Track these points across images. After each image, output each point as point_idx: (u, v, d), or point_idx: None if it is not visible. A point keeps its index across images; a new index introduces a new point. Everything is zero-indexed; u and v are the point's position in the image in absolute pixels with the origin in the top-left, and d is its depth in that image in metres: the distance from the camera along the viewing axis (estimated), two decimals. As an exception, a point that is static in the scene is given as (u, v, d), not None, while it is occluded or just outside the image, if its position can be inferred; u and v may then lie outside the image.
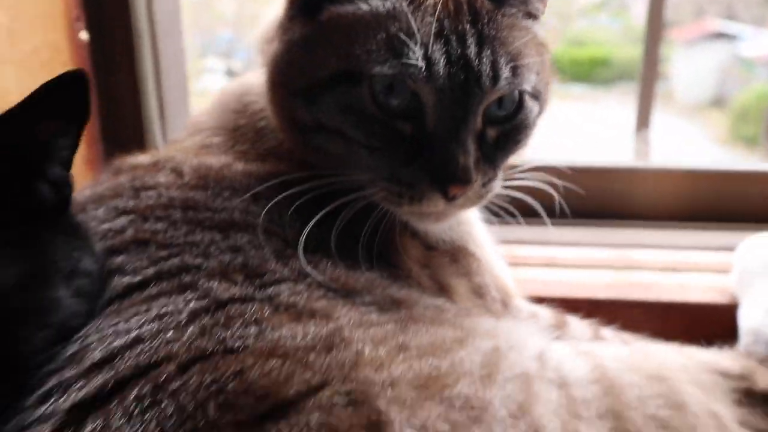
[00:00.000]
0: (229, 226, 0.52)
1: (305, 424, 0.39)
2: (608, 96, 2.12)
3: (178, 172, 0.56)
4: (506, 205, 0.66)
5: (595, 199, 1.03)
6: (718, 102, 2.12)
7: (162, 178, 0.55)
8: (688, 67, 2.53)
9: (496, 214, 0.68)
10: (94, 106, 0.80)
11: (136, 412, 0.40)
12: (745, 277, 0.76)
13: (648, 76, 1.06)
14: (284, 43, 0.58)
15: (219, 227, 0.51)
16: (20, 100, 0.44)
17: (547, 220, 0.67)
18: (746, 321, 0.71)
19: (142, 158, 0.61)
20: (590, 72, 2.65)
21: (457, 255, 0.63)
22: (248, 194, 0.54)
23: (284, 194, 0.54)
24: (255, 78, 0.67)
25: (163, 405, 0.40)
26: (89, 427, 0.40)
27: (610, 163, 1.05)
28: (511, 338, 0.53)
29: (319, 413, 0.39)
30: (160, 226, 0.51)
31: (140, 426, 0.39)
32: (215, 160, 0.58)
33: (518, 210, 0.67)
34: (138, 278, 0.48)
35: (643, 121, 1.10)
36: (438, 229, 0.62)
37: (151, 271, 0.49)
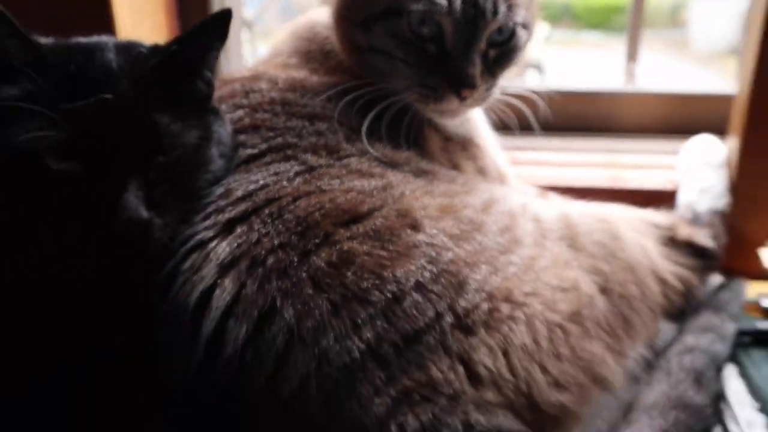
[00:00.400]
0: (313, 117, 0.76)
1: (372, 224, 0.64)
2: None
3: (273, 81, 0.81)
4: (507, 115, 0.91)
5: (587, 117, 1.27)
6: (735, 50, 2.03)
7: (263, 84, 0.80)
8: (706, 15, 2.57)
9: (502, 125, 0.92)
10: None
11: (268, 221, 0.65)
12: (683, 169, 1.00)
13: (636, 14, 1.28)
14: (346, -10, 0.82)
15: (307, 117, 0.76)
16: (190, 30, 0.68)
17: (537, 127, 0.91)
18: (682, 198, 0.96)
19: (242, 72, 0.85)
20: (606, 19, 2.70)
21: (467, 144, 0.88)
22: (324, 96, 0.79)
23: (349, 97, 0.79)
24: (318, 15, 0.90)
25: (284, 216, 0.64)
26: (238, 231, 0.65)
27: (601, 88, 1.28)
28: (503, 194, 0.78)
29: (380, 219, 0.64)
30: (266, 116, 0.76)
31: (271, 227, 0.64)
32: (296, 74, 0.83)
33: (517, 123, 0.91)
34: (255, 151, 0.73)
35: (631, 55, 1.33)
36: (452, 124, 0.87)
37: (264, 146, 0.73)
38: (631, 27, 1.26)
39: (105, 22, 0.96)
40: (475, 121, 0.90)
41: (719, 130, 1.03)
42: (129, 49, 0.67)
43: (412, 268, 0.60)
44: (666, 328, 0.79)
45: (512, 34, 0.81)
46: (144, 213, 0.62)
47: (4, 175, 0.62)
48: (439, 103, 0.80)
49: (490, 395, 0.58)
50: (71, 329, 0.64)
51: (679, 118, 1.21)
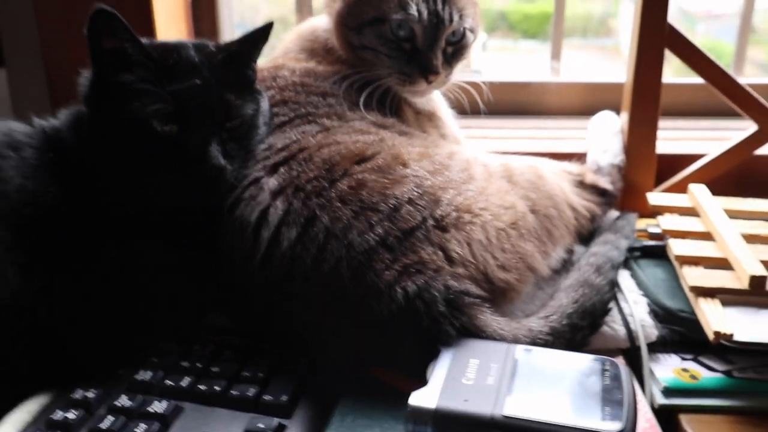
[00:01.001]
0: (325, 95, 1.05)
1: (375, 163, 0.93)
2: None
3: (291, 69, 1.10)
4: (461, 99, 1.22)
5: (520, 102, 1.60)
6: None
7: (285, 72, 1.09)
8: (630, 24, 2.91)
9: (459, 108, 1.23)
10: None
11: (302, 162, 0.93)
12: (591, 136, 1.34)
13: (558, 18, 1.61)
14: (343, 3, 1.12)
15: (321, 95, 1.05)
16: (244, 35, 0.98)
17: (483, 109, 1.23)
18: (590, 157, 1.28)
19: (266, 64, 1.14)
20: (539, 29, 2.96)
21: (432, 116, 1.19)
22: (331, 80, 1.09)
23: (348, 81, 1.09)
24: (316, 22, 1.20)
25: (313, 159, 0.92)
26: (281, 170, 0.93)
27: (530, 79, 1.61)
28: (461, 149, 1.09)
29: (381, 159, 0.94)
30: (291, 94, 1.05)
31: (305, 166, 0.91)
32: (307, 65, 1.12)
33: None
34: (286, 118, 1.01)
35: (555, 53, 1.67)
36: (421, 101, 1.17)
37: (292, 114, 1.02)
38: (554, 29, 1.59)
39: (148, 29, 1.25)
40: (437, 101, 1.21)
41: (617, 108, 1.36)
42: (202, 47, 0.96)
43: (405, 189, 0.90)
44: (579, 250, 1.10)
45: (463, 35, 1.13)
46: (222, 161, 0.91)
47: (126, 136, 0.90)
48: (412, 86, 1.11)
49: (460, 270, 0.88)
50: (169, 238, 0.92)
51: (590, 101, 1.55)
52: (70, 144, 0.94)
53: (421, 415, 0.73)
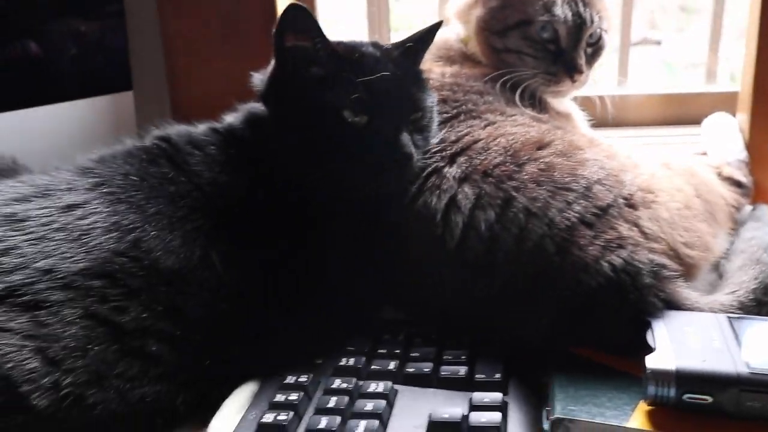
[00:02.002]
0: (481, 93, 1.08)
1: (556, 149, 0.92)
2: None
3: (440, 73, 1.12)
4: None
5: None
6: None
7: (433, 75, 1.10)
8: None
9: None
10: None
11: (480, 151, 0.93)
12: (707, 136, 1.38)
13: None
14: (485, 9, 1.16)
15: (477, 93, 1.08)
16: (417, 33, 1.00)
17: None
18: (715, 155, 1.32)
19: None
20: None
21: (569, 117, 1.22)
22: (482, 80, 1.12)
23: (500, 81, 1.12)
24: (448, 32, 1.24)
25: (491, 148, 0.94)
26: (460, 160, 0.95)
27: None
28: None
29: (559, 145, 0.94)
30: (447, 93, 1.07)
31: (485, 155, 0.93)
32: (451, 69, 1.16)
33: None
34: (449, 114, 1.04)
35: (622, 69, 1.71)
36: (559, 102, 1.21)
37: (454, 111, 1.04)
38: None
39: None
40: (571, 103, 1.24)
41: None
42: (377, 45, 0.99)
43: (592, 170, 0.92)
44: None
45: (600, 37, 1.17)
46: (412, 148, 0.93)
47: (314, 127, 0.92)
48: (557, 85, 1.14)
49: (655, 245, 0.89)
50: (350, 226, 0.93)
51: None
52: (248, 140, 0.95)
53: (663, 376, 0.73)
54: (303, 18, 0.90)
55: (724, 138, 1.32)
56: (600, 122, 1.26)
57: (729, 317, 0.84)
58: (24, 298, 0.72)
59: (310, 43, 0.91)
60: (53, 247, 0.76)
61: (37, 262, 0.75)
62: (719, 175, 1.18)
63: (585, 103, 1.25)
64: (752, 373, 0.71)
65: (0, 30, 1.24)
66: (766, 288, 0.93)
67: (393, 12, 1.69)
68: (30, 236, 0.76)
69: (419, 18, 1.70)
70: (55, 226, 0.78)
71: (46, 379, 0.69)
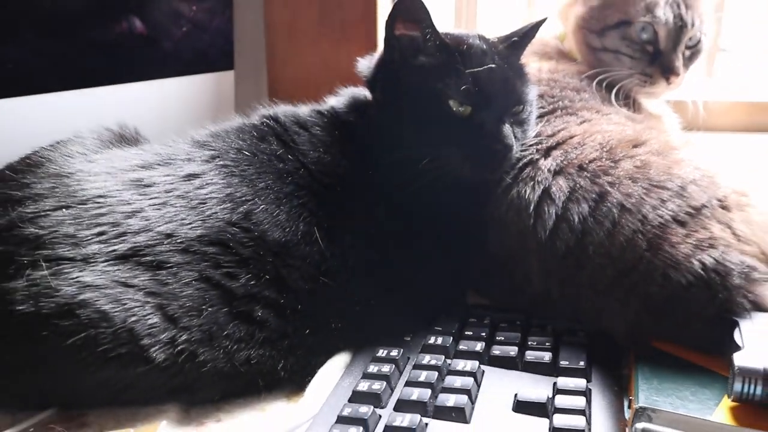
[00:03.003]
0: (578, 90, 1.10)
1: (651, 147, 0.95)
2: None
3: (537, 68, 1.15)
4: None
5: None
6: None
7: (532, 71, 1.14)
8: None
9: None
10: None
11: (576, 146, 0.96)
12: None
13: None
14: (585, 7, 1.18)
15: (574, 90, 1.10)
16: (521, 28, 1.03)
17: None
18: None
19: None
20: None
21: (660, 119, 1.23)
22: (578, 78, 1.14)
23: (595, 80, 1.14)
24: (545, 33, 1.26)
25: (587, 144, 0.97)
26: (555, 153, 0.97)
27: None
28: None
29: (655, 144, 0.96)
30: (545, 88, 1.10)
31: (581, 149, 0.96)
32: (547, 65, 1.18)
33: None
34: (546, 110, 1.07)
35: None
36: (652, 104, 1.23)
37: (550, 107, 1.06)
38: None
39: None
40: (664, 105, 1.26)
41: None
42: (484, 37, 1.01)
43: (686, 170, 0.94)
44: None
45: (699, 40, 1.18)
46: (513, 140, 0.96)
47: (421, 113, 0.95)
48: (652, 86, 1.15)
49: (746, 248, 0.90)
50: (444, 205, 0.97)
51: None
52: (354, 124, 0.99)
53: (752, 374, 0.75)
54: (415, 8, 0.93)
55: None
56: (690, 126, 1.26)
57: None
58: (147, 258, 0.78)
59: (420, 32, 0.95)
60: (174, 213, 0.82)
61: (159, 225, 0.80)
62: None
63: (677, 106, 1.25)
64: None
65: (110, 7, 1.29)
66: None
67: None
68: (154, 201, 0.82)
69: (505, 12, 1.72)
70: (176, 193, 0.83)
71: (164, 335, 0.75)
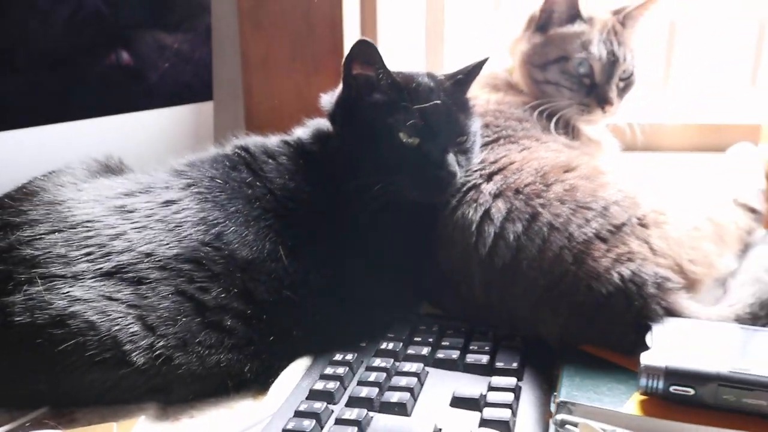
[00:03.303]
0: (521, 120, 1.23)
1: (581, 172, 1.08)
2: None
3: (485, 99, 1.27)
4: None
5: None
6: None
7: (480, 101, 1.26)
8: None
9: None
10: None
11: (515, 172, 1.08)
12: (731, 164, 1.49)
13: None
14: (529, 44, 1.30)
15: (516, 120, 1.23)
16: (466, 66, 1.16)
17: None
18: (733, 182, 1.44)
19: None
20: None
21: (599, 145, 1.36)
22: (521, 108, 1.26)
23: (538, 110, 1.27)
24: (494, 65, 1.39)
25: (524, 170, 1.08)
26: (496, 178, 1.08)
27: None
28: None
29: (584, 169, 1.09)
30: (490, 119, 1.22)
31: (518, 174, 1.07)
32: (496, 97, 1.31)
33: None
34: (490, 138, 1.18)
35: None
36: (591, 130, 1.35)
37: (495, 136, 1.18)
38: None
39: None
40: (604, 132, 1.38)
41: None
42: (432, 75, 1.14)
43: (610, 192, 1.06)
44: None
45: (631, 73, 1.30)
46: (457, 168, 1.07)
47: (375, 144, 1.07)
48: (589, 115, 1.28)
49: (661, 261, 1.02)
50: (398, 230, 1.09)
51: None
52: (316, 153, 1.11)
53: (655, 371, 0.86)
54: (369, 51, 1.05)
55: (746, 167, 1.44)
56: (629, 148, 1.39)
57: (724, 324, 0.97)
58: (129, 274, 0.89)
59: (374, 72, 1.07)
60: (153, 235, 0.93)
61: (140, 246, 0.92)
62: (735, 201, 1.29)
63: (616, 130, 1.38)
64: (730, 371, 0.84)
65: (100, 41, 1.40)
66: (762, 304, 1.04)
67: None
68: (136, 224, 0.94)
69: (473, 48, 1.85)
70: (155, 217, 0.95)
71: (144, 341, 0.86)
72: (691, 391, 0.84)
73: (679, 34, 1.89)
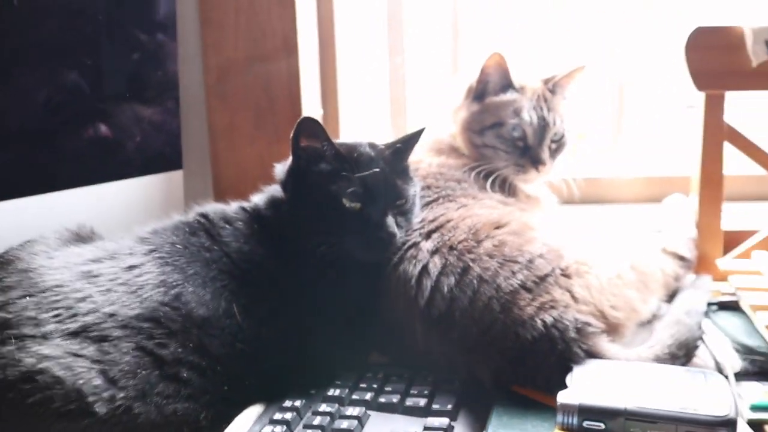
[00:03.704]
0: (459, 181, 1.34)
1: (510, 228, 1.18)
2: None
3: (429, 163, 1.38)
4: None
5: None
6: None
7: (424, 165, 1.37)
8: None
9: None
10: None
11: (451, 229, 1.19)
12: (665, 214, 1.60)
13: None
14: (468, 112, 1.43)
15: (455, 181, 1.33)
16: (405, 136, 1.28)
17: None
18: (666, 230, 1.54)
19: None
20: None
21: (537, 201, 1.47)
22: (461, 170, 1.38)
23: (476, 171, 1.38)
24: (439, 131, 1.51)
25: (460, 227, 1.19)
26: (434, 236, 1.19)
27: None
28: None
29: (514, 225, 1.19)
30: (432, 181, 1.32)
31: (454, 232, 1.17)
32: (438, 160, 1.42)
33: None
34: (430, 199, 1.29)
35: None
36: (529, 187, 1.46)
37: (435, 196, 1.28)
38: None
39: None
40: (542, 188, 1.49)
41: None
42: (373, 145, 1.25)
43: (536, 246, 1.16)
44: (664, 307, 1.35)
45: (562, 135, 1.42)
46: (396, 229, 1.18)
47: (321, 209, 1.18)
48: (524, 174, 1.39)
49: (583, 307, 1.12)
50: (346, 286, 1.19)
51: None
52: (270, 218, 1.22)
53: (569, 408, 0.96)
54: (313, 126, 1.17)
55: (678, 216, 1.55)
56: (568, 201, 1.50)
57: (640, 364, 1.07)
58: (94, 333, 0.99)
59: (319, 144, 1.18)
60: (117, 297, 1.03)
61: (105, 307, 1.01)
62: (664, 249, 1.40)
63: (553, 186, 1.49)
64: (636, 406, 0.93)
65: (80, 116, 1.51)
66: (680, 344, 1.15)
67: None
68: (100, 288, 1.03)
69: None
70: (119, 281, 1.05)
71: (106, 393, 0.95)
72: (602, 426, 0.93)
73: (628, 94, 2.03)
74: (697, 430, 0.90)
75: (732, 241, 1.52)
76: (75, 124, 1.48)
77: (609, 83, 2.04)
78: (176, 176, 1.63)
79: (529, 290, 1.10)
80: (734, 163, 1.54)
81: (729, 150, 1.50)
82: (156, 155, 1.62)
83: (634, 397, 0.94)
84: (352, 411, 1.04)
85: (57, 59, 1.40)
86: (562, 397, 0.96)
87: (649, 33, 1.96)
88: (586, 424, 0.94)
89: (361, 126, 1.87)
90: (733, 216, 1.60)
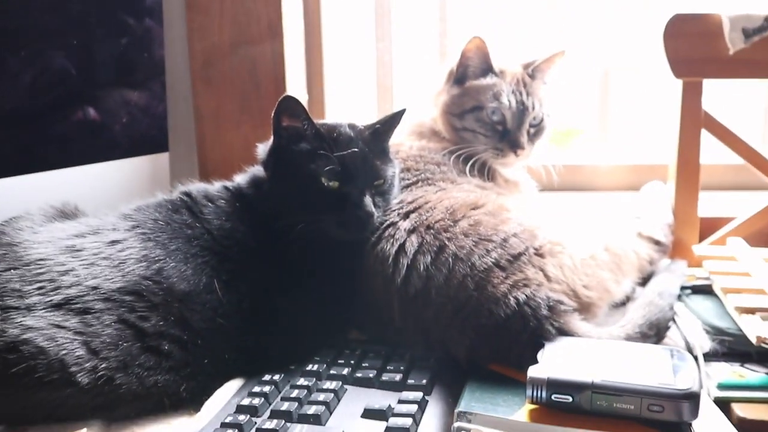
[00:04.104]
0: (439, 164, 1.36)
1: (486, 209, 1.20)
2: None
3: (409, 146, 1.40)
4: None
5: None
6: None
7: (404, 148, 1.39)
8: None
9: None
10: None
11: (429, 210, 1.20)
12: (643, 200, 1.63)
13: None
14: (448, 95, 1.45)
15: (435, 164, 1.36)
16: (385, 117, 1.30)
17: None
18: (644, 216, 1.57)
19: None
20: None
21: (516, 185, 1.49)
22: (441, 153, 1.40)
23: (455, 154, 1.41)
24: (421, 115, 1.53)
25: (437, 208, 1.21)
26: (412, 216, 1.21)
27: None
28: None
29: (490, 206, 1.21)
30: (411, 163, 1.35)
31: (432, 212, 1.20)
32: (419, 143, 1.44)
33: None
34: (410, 181, 1.31)
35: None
36: (508, 171, 1.49)
37: (414, 179, 1.31)
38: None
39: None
40: (521, 173, 1.52)
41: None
42: (353, 126, 1.28)
43: (511, 226, 1.19)
44: (638, 290, 1.38)
45: (541, 120, 1.45)
46: (373, 208, 1.21)
47: (300, 188, 1.21)
48: (503, 158, 1.42)
49: (555, 286, 1.15)
50: (325, 265, 1.22)
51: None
52: (252, 197, 1.25)
53: (538, 382, 0.98)
54: (294, 105, 1.20)
55: (655, 202, 1.58)
56: (547, 188, 1.53)
57: (610, 341, 1.09)
58: (77, 305, 1.01)
59: (300, 124, 1.21)
60: (99, 271, 1.05)
61: (87, 281, 1.03)
62: (640, 234, 1.43)
63: (532, 171, 1.52)
64: (602, 380, 0.96)
65: (64, 97, 1.53)
66: (651, 324, 1.18)
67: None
68: (83, 262, 1.06)
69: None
70: (102, 255, 1.07)
71: (88, 364, 0.97)
72: (570, 399, 0.96)
73: (613, 82, 2.06)
74: (661, 403, 0.93)
75: (709, 227, 1.55)
76: (62, 106, 1.49)
77: (593, 70, 2.06)
78: (162, 158, 1.65)
79: (502, 268, 1.13)
80: (713, 152, 1.57)
81: (708, 139, 1.53)
82: (142, 138, 1.64)
83: (601, 371, 0.97)
84: (329, 385, 1.06)
85: (44, 41, 1.42)
86: (532, 372, 0.98)
87: (634, 19, 1.98)
88: (554, 397, 0.97)
89: (347, 111, 1.89)
90: (710, 204, 1.64)
